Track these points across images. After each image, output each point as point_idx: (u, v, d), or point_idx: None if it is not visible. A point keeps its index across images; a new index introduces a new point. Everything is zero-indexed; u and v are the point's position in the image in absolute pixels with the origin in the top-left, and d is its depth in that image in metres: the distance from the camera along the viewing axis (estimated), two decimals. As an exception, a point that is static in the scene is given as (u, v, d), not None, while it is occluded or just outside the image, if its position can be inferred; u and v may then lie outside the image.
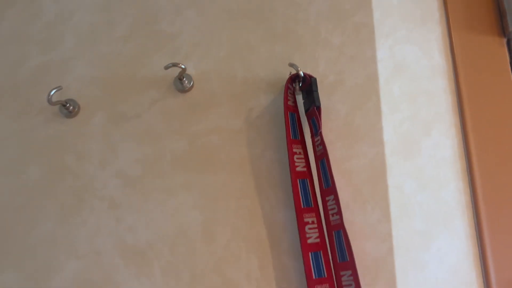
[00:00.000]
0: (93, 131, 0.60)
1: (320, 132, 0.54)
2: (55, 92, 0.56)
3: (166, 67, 0.56)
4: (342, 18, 0.62)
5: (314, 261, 0.50)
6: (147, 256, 0.54)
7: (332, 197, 0.52)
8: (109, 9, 0.65)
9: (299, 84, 0.58)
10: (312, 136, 0.56)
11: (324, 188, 0.53)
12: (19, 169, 0.59)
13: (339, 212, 0.51)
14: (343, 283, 0.49)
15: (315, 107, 0.54)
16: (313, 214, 0.52)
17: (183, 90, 0.61)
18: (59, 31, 0.65)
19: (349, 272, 0.49)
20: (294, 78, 0.56)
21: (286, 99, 0.56)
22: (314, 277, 0.50)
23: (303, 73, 0.55)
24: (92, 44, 0.64)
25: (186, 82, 0.60)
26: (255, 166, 0.56)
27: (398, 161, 0.56)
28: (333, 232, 0.52)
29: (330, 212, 0.52)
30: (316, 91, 0.55)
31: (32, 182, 0.58)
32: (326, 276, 0.50)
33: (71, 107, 0.60)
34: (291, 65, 0.55)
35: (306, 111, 0.58)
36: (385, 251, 0.52)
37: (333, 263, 0.51)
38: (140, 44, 0.63)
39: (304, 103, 0.58)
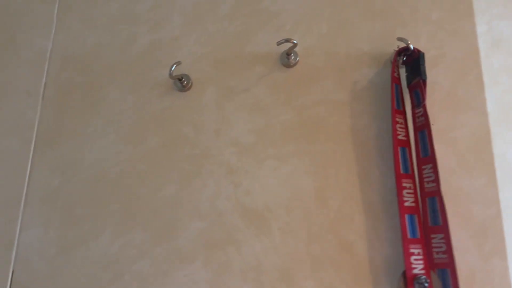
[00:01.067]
0: (207, 104, 0.64)
1: (424, 104, 0.57)
2: (175, 67, 0.60)
3: (279, 43, 0.59)
4: (440, -6, 0.64)
5: (409, 222, 0.54)
6: (265, 218, 0.58)
7: (430, 165, 0.55)
8: (212, -11, 0.69)
9: (403, 58, 0.60)
10: (413, 108, 0.59)
11: (421, 157, 0.56)
12: (138, 138, 0.64)
13: (436, 180, 0.54)
14: (433, 245, 0.53)
15: (420, 80, 0.57)
16: (411, 180, 0.56)
17: (289, 65, 0.64)
18: (166, 11, 0.69)
19: (441, 235, 0.52)
20: (401, 51, 0.59)
21: (393, 71, 0.59)
22: (408, 236, 0.53)
23: (413, 47, 0.57)
24: (199, 23, 0.68)
25: (293, 57, 0.63)
26: (362, 135, 0.60)
27: (502, 130, 0.58)
28: (426, 199, 0.55)
29: (426, 179, 0.55)
30: (424, 64, 0.57)
31: (152, 151, 0.63)
32: (419, 237, 0.53)
33: (185, 82, 0.64)
34: (401, 39, 0.58)
35: (409, 84, 0.61)
36: (493, 214, 0.55)
37: (424, 226, 0.54)
38: (245, 22, 0.67)
39: (407, 76, 0.61)
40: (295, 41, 0.59)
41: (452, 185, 0.56)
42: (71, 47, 0.70)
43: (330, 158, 0.60)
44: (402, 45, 0.59)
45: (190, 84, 0.65)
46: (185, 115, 0.64)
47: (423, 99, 0.57)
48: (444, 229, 0.52)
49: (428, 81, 0.59)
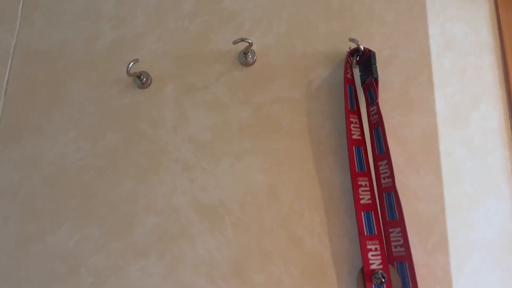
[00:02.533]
0: (166, 101, 0.65)
1: (377, 102, 0.58)
2: (132, 64, 0.61)
3: (235, 42, 0.60)
4: (395, -4, 0.65)
5: (366, 219, 0.55)
6: (219, 213, 0.59)
7: (385, 162, 0.56)
8: (175, -12, 0.69)
9: (356, 58, 0.61)
10: (368, 106, 0.61)
11: (377, 154, 0.58)
12: (98, 134, 0.65)
13: (391, 176, 0.55)
14: (392, 239, 0.54)
15: (373, 79, 0.59)
16: (366, 178, 0.57)
17: (247, 64, 0.65)
18: (130, 8, 0.70)
19: (398, 229, 0.54)
20: (353, 52, 0.60)
21: (346, 72, 0.60)
22: (365, 233, 0.55)
23: (363, 48, 0.58)
24: (161, 21, 0.69)
25: (250, 56, 0.64)
26: (315, 134, 0.61)
27: (449, 130, 0.60)
28: (384, 194, 0.56)
29: (382, 175, 0.57)
30: (375, 64, 0.59)
31: (111, 146, 0.64)
32: (376, 233, 0.55)
33: (144, 79, 0.65)
34: (352, 40, 0.59)
35: (363, 83, 0.62)
36: (438, 211, 0.56)
37: (382, 221, 0.55)
38: (206, 20, 0.68)
39: (360, 75, 0.62)
40: (250, 41, 0.60)
41: (399, 182, 0.57)
42: (35, 43, 0.70)
43: (284, 155, 0.61)
44: (354, 45, 0.60)
45: (149, 81, 0.66)
46: (144, 111, 0.65)
47: (376, 97, 0.58)
48: (400, 223, 0.53)
49: (381, 80, 0.61)
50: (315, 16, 0.66)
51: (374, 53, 0.59)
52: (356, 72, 0.63)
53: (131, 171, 0.62)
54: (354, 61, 0.62)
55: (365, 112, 0.61)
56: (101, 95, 0.66)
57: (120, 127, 0.64)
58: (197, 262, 0.58)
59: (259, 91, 0.64)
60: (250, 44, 0.60)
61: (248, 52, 0.64)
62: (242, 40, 0.60)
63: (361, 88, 0.62)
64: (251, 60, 0.65)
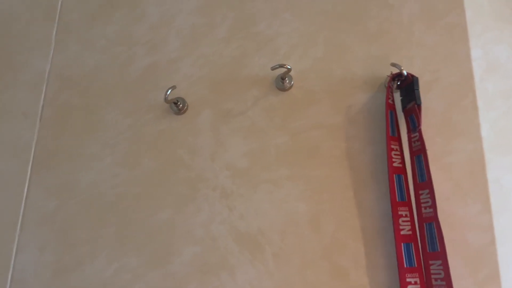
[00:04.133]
0: (202, 127, 0.64)
1: (419, 129, 0.57)
2: (170, 91, 0.61)
3: (273, 68, 0.60)
4: (434, 18, 0.64)
5: (406, 251, 0.54)
6: (259, 243, 0.58)
7: (427, 191, 0.55)
8: (209, 12, 0.70)
9: (397, 83, 0.60)
10: (409, 132, 0.59)
11: (418, 182, 0.56)
12: (134, 161, 0.64)
13: (433, 206, 0.54)
14: (432, 271, 0.53)
15: (415, 105, 0.57)
16: (407, 208, 0.56)
17: (284, 89, 0.64)
18: (163, 33, 0.70)
19: (439, 261, 0.52)
20: (395, 77, 0.59)
21: (387, 98, 0.59)
22: (405, 265, 0.53)
23: (406, 73, 0.57)
24: (195, 46, 0.69)
25: (287, 81, 0.64)
26: (356, 160, 0.60)
27: (496, 156, 0.58)
28: (424, 224, 0.55)
29: (423, 205, 0.55)
30: (418, 89, 0.58)
31: (147, 173, 0.63)
32: (416, 266, 0.53)
33: (181, 105, 0.65)
34: (394, 64, 0.58)
35: (403, 108, 0.61)
36: (487, 242, 0.54)
37: (422, 252, 0.54)
38: (241, 45, 0.68)
39: (402, 100, 0.61)
40: (289, 67, 0.59)
41: (446, 212, 0.55)
42: (69, 69, 0.71)
43: (324, 183, 0.60)
44: (396, 70, 0.59)
45: (185, 107, 0.65)
46: (181, 138, 0.64)
47: (419, 123, 0.57)
48: (442, 255, 0.52)
49: (423, 105, 0.59)
50: (353, 40, 0.65)
51: (417, 78, 0.58)
52: (397, 96, 0.62)
53: (168, 198, 0.62)
54: (395, 85, 0.61)
55: (406, 138, 0.60)
56: (136, 121, 0.66)
57: (156, 153, 0.64)
58: (238, 294, 0.57)
59: (297, 116, 0.63)
60: (289, 70, 0.60)
61: (285, 77, 0.63)
62: (281, 66, 0.59)
63: (402, 113, 0.61)
64: (288, 85, 0.64)
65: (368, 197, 0.59)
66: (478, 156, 0.58)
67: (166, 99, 0.61)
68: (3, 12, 0.74)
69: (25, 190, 0.66)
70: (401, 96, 0.62)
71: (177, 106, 0.65)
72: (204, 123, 0.65)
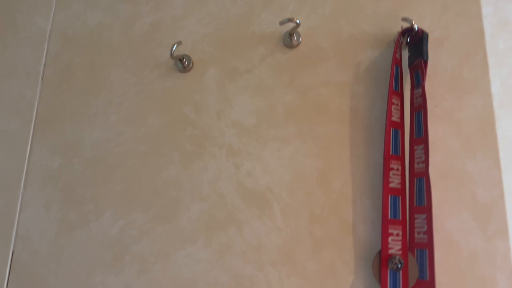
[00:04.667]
0: (208, 85, 0.63)
1: (423, 85, 0.56)
2: (176, 46, 0.59)
3: (282, 23, 0.59)
4: (445, -25, 0.63)
5: (392, 203, 0.54)
6: (266, 199, 0.58)
7: (421, 146, 0.55)
8: (214, -31, 0.68)
9: (407, 39, 0.60)
10: (412, 88, 0.59)
11: (414, 137, 0.56)
12: (140, 119, 0.63)
13: (426, 161, 0.53)
14: (416, 225, 0.53)
15: (422, 61, 0.57)
16: (399, 162, 0.55)
17: (291, 46, 0.63)
18: (168, -9, 0.68)
19: (424, 215, 0.52)
20: (405, 32, 0.58)
21: (395, 52, 0.58)
22: (389, 217, 0.53)
23: (417, 27, 0.57)
24: (201, 3, 0.67)
25: (295, 38, 0.63)
26: (365, 117, 0.59)
27: (506, 112, 0.58)
28: (415, 179, 0.55)
29: (416, 160, 0.55)
30: (427, 45, 0.57)
31: (153, 131, 0.63)
32: (400, 218, 0.53)
33: (186, 62, 0.64)
34: (405, 19, 0.57)
35: (410, 64, 0.60)
36: (496, 196, 0.54)
37: (409, 206, 0.54)
38: (247, 2, 0.66)
39: (409, 56, 0.61)
40: (297, 21, 0.58)
41: (455, 167, 0.55)
42: (72, 27, 0.69)
43: (332, 139, 0.59)
44: (406, 25, 0.58)
45: (191, 64, 0.64)
46: (186, 96, 0.63)
47: (423, 79, 0.57)
48: (427, 209, 0.52)
49: (433, 62, 0.59)
50: (362, -3, 0.64)
51: (427, 34, 0.57)
52: (405, 53, 0.61)
53: (174, 156, 0.61)
54: (404, 41, 0.60)
55: (409, 95, 0.59)
56: (141, 79, 0.65)
57: (162, 111, 0.63)
58: (246, 249, 0.57)
59: (305, 74, 0.62)
60: (297, 25, 0.59)
61: (294, 34, 0.62)
62: (289, 20, 0.58)
63: (408, 70, 0.60)
64: (296, 42, 0.63)
65: (376, 153, 0.58)
66: (488, 112, 0.58)
67: (172, 55, 0.60)
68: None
69: (28, 148, 0.65)
70: (409, 52, 0.61)
71: (183, 63, 0.64)
72: (210, 81, 0.64)
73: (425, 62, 0.57)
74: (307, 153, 0.59)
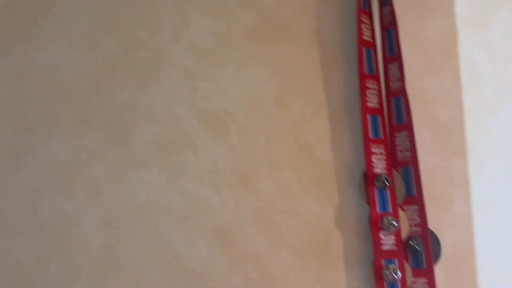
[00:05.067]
0: (164, 5, 0.61)
1: (391, 2, 0.54)
2: (129, -39, 0.56)
3: None
4: None
5: (371, 122, 0.52)
6: (223, 122, 0.56)
7: (395, 64, 0.53)
8: None
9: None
10: (381, 7, 0.57)
11: (387, 56, 0.54)
12: (92, 42, 0.60)
13: (402, 79, 0.52)
14: (397, 143, 0.52)
15: (389, -24, 0.55)
16: (375, 82, 0.54)
17: (252, -35, 0.60)
18: None
19: (405, 133, 0.51)
20: None
21: (360, -32, 0.56)
22: (370, 136, 0.52)
23: None
24: None
25: (256, -44, 0.60)
26: (326, 39, 0.57)
27: (469, 33, 0.57)
28: (392, 98, 0.53)
29: (391, 79, 0.54)
30: (393, -42, 0.54)
31: (106, 54, 0.60)
32: (382, 138, 0.52)
33: (141, -18, 0.60)
34: None
35: (377, -18, 0.58)
36: (456, 116, 0.54)
37: (389, 125, 0.52)
38: None
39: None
40: None
41: (417, 86, 0.54)
42: None
43: (293, 62, 0.58)
44: None
45: (147, -15, 0.61)
46: (141, 17, 0.60)
47: (391, -4, 0.54)
48: (408, 127, 0.51)
49: (397, -19, 0.57)
50: None
51: None
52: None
53: (128, 80, 0.59)
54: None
55: (377, 14, 0.57)
56: (94, 0, 0.61)
57: (115, 34, 0.60)
58: (201, 171, 0.55)
59: (266, -6, 0.59)
60: None
61: (254, -49, 0.59)
62: None
63: (375, -10, 0.58)
64: (257, -39, 0.60)
65: (337, 75, 0.57)
66: (451, 32, 0.56)
67: (124, -30, 0.56)
68: None
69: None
70: (373, -31, 0.59)
71: (138, -17, 0.60)
72: (166, 1, 0.61)
73: None
74: (266, 76, 0.57)
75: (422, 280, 0.50)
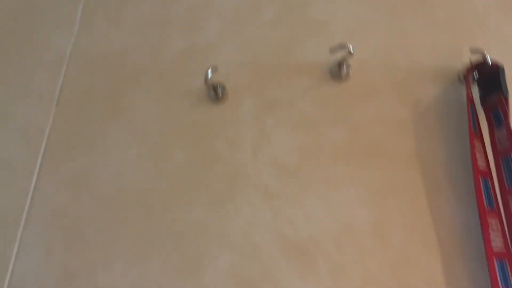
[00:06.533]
0: (244, 117, 0.56)
1: (508, 126, 0.49)
2: (211, 71, 0.53)
3: (332, 50, 0.52)
4: (513, 7, 0.57)
5: (500, 269, 0.44)
6: (310, 253, 0.49)
7: None
8: (254, -6, 0.63)
9: (476, 73, 0.53)
10: (492, 130, 0.51)
11: (507, 188, 0.47)
12: (165, 153, 0.56)
13: None
14: None
15: (502, 97, 0.49)
16: (496, 217, 0.47)
17: (340, 78, 0.57)
18: (203, 14, 0.63)
19: None
20: (476, 65, 0.51)
21: (468, 89, 0.51)
22: (500, 287, 0.43)
23: (490, 60, 0.50)
24: (238, 29, 0.62)
25: (345, 69, 0.56)
26: (427, 161, 0.51)
27: None
28: None
29: None
30: (504, 80, 0.50)
31: (179, 168, 0.55)
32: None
33: (220, 91, 0.57)
34: (474, 51, 0.51)
35: (484, 102, 0.53)
36: None
37: None
38: (289, 29, 0.61)
39: (481, 94, 0.53)
40: (351, 48, 0.52)
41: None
42: (94, 49, 0.64)
43: (389, 185, 0.51)
44: (475, 58, 0.51)
45: (225, 94, 0.57)
46: (219, 129, 0.56)
47: (506, 118, 0.49)
48: None
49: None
50: (418, 28, 0.58)
51: (503, 67, 0.50)
52: (474, 90, 0.54)
53: (201, 197, 0.53)
54: (474, 76, 0.53)
55: (488, 137, 0.51)
56: (168, 108, 0.58)
57: (190, 145, 0.56)
58: (285, 315, 0.47)
59: (356, 108, 0.55)
60: (350, 54, 0.52)
61: (343, 64, 0.55)
62: (341, 47, 0.52)
63: (481, 109, 0.53)
64: (345, 73, 0.56)
65: (444, 203, 0.50)
66: None
67: (206, 81, 0.53)
68: (26, -14, 0.68)
69: (33, 181, 0.57)
70: (479, 89, 0.54)
71: (216, 92, 0.57)
72: (246, 113, 0.57)
73: (506, 99, 0.49)
74: (358, 200, 0.51)
75: None
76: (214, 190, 0.54)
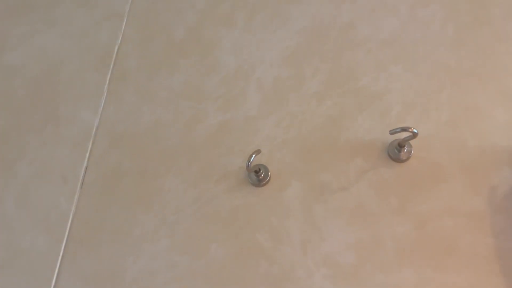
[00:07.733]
0: (289, 205, 0.50)
1: None
2: (255, 157, 0.47)
3: (393, 132, 0.46)
4: None
5: None
6: None
7: None
8: (296, 62, 0.58)
9: None
10: None
11: None
12: (199, 247, 0.50)
13: None
14: None
15: None
16: None
17: (399, 159, 0.50)
18: (240, 87, 0.58)
19: None
20: None
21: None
22: None
23: None
24: (280, 102, 0.56)
25: (406, 149, 0.50)
26: (511, 263, 0.43)
27: None
28: None
29: None
30: None
31: (215, 264, 0.49)
32: None
33: (262, 174, 0.51)
34: None
35: None
36: None
37: None
38: (338, 102, 0.55)
39: None
40: (415, 130, 0.45)
41: None
42: (122, 124, 0.59)
43: (466, 293, 0.43)
44: None
45: (268, 177, 0.52)
46: (261, 218, 0.50)
47: None
48: None
49: None
50: (488, 100, 0.52)
51: None
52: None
53: (246, 301, 0.46)
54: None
55: None
56: (203, 193, 0.53)
57: (228, 238, 0.50)
58: None
59: (421, 197, 0.48)
60: (414, 135, 0.46)
61: (405, 145, 0.49)
62: (404, 129, 0.45)
63: None
64: (406, 154, 0.50)
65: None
66: None
67: (248, 167, 0.47)
68: (51, 55, 0.65)
69: (55, 275, 0.52)
70: None
71: (258, 175, 0.51)
72: (291, 200, 0.51)
73: None
74: (431, 313, 0.43)
75: None
76: (258, 294, 0.47)
